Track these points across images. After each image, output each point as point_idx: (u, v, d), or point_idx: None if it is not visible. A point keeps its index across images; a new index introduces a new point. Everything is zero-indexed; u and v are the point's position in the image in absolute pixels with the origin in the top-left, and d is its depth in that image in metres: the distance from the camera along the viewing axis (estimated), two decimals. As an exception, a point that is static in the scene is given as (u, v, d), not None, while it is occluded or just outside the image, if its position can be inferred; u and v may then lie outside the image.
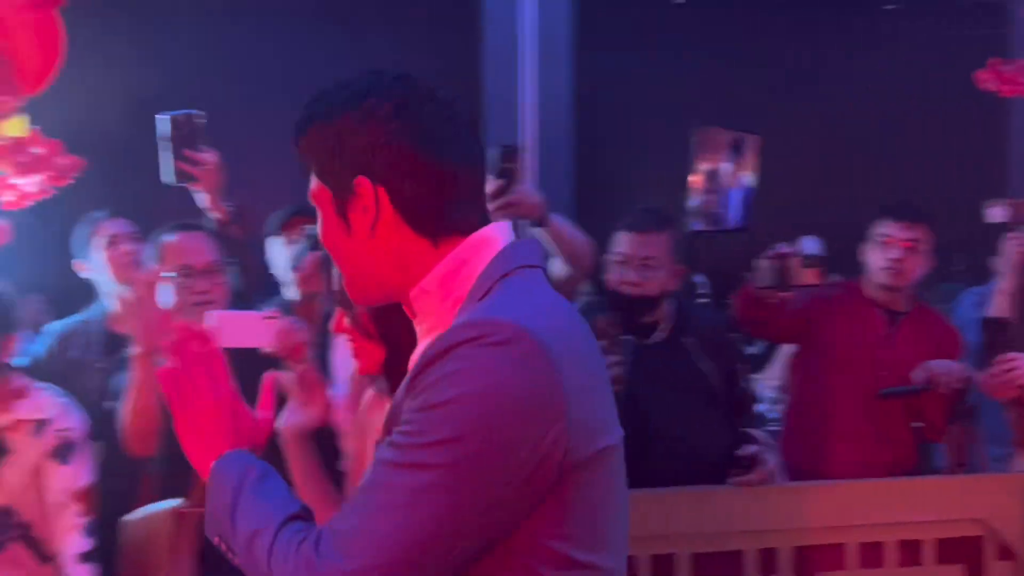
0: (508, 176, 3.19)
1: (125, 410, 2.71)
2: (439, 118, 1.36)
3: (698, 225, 6.32)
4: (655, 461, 2.82)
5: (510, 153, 3.24)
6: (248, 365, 1.95)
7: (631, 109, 7.96)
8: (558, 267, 3.54)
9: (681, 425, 2.92)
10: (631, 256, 2.96)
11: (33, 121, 2.83)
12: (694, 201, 6.55)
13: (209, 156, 3.06)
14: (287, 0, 7.16)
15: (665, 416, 2.91)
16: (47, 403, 2.82)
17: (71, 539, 2.77)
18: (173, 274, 2.87)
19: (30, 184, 2.82)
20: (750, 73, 7.96)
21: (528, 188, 3.24)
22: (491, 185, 3.24)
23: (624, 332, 2.93)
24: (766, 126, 7.48)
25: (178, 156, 3.02)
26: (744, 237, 7.49)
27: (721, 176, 6.91)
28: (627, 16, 8.15)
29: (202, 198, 3.12)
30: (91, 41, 5.81)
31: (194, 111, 3.00)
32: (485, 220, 1.40)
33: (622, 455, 1.35)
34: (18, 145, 2.67)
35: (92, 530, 2.79)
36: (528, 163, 7.55)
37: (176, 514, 2.59)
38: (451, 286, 1.36)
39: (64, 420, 2.78)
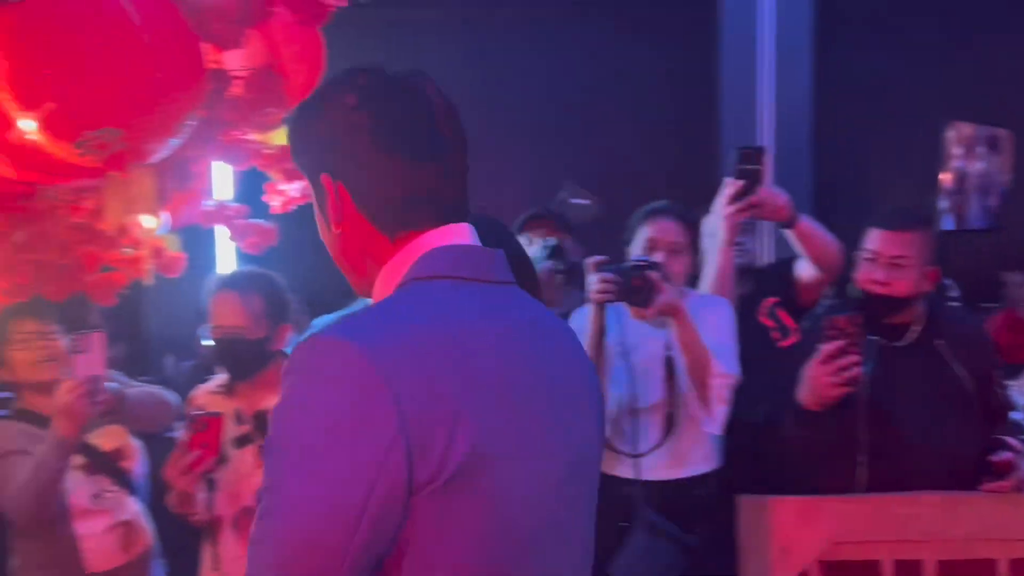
0: (749, 177, 3.19)
1: None
2: (404, 111, 1.35)
3: (947, 225, 6.09)
4: (902, 465, 2.77)
5: (750, 155, 3.24)
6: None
7: (874, 106, 7.72)
8: (805, 268, 3.50)
9: (931, 430, 2.84)
10: (881, 254, 2.89)
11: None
12: (943, 200, 6.31)
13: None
14: (531, 8, 7.28)
15: (914, 420, 2.84)
16: None
17: None
18: None
19: (293, 190, 3.01)
20: (1002, 66, 7.59)
21: (774, 190, 3.23)
22: (731, 187, 3.24)
23: (871, 332, 2.87)
24: (1022, 122, 7.12)
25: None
26: (995, 238, 7.15)
27: (972, 174, 6.63)
28: (870, 10, 7.90)
29: None
30: (347, 52, 6.13)
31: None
32: (450, 218, 1.37)
33: (550, 471, 1.32)
34: (284, 153, 2.86)
35: None
36: (768, 165, 7.44)
37: None
38: (385, 289, 1.35)
39: None
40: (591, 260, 3.06)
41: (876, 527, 2.71)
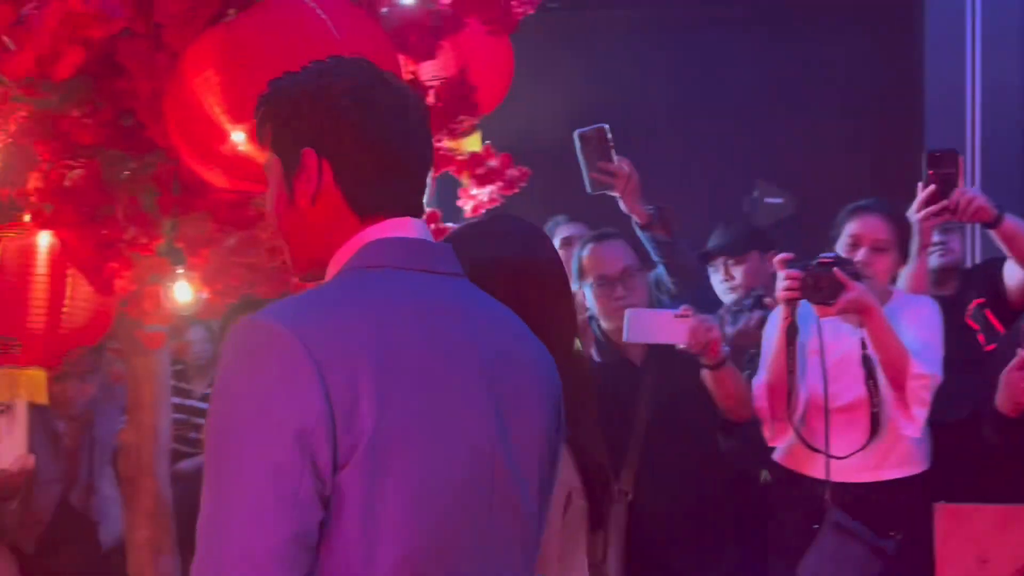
0: (940, 182, 3.10)
1: None
2: (389, 104, 1.46)
3: None
4: None
5: (940, 158, 3.15)
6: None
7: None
8: (1013, 270, 3.37)
9: None
10: None
11: (484, 136, 3.13)
12: None
13: (621, 164, 3.27)
14: (720, 10, 7.21)
15: None
16: None
17: None
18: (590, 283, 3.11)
19: (483, 194, 3.10)
20: None
21: (972, 191, 3.13)
22: (923, 192, 3.16)
23: None
24: None
25: (591, 167, 3.25)
26: None
27: None
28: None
29: (622, 203, 3.31)
30: (538, 55, 6.23)
31: (602, 124, 3.22)
32: (408, 211, 1.46)
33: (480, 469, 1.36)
34: (475, 159, 2.95)
35: None
36: (975, 162, 7.17)
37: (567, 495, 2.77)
38: (333, 271, 1.44)
39: None
40: (778, 258, 3.04)
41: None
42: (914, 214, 3.17)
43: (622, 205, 3.40)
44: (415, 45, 2.56)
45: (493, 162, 2.98)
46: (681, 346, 2.94)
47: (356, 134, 1.44)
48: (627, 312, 2.67)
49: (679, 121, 7.13)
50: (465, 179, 3.01)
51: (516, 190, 3.04)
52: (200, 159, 2.28)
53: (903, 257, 3.16)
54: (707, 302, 3.50)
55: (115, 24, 2.05)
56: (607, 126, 3.27)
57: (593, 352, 3.22)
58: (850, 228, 3.14)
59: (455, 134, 2.83)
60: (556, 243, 3.90)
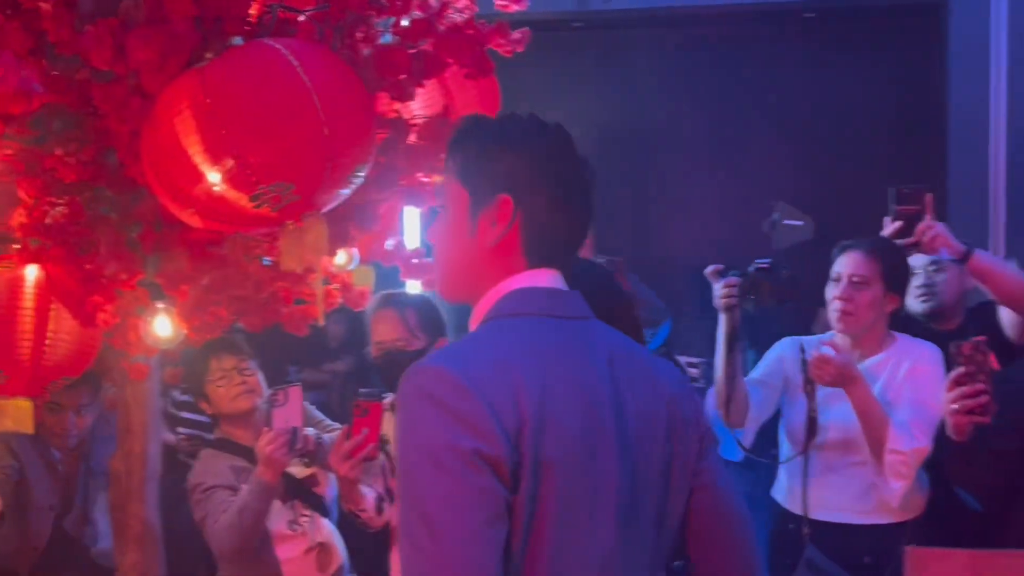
0: (906, 219, 3.12)
1: None
2: (573, 170, 1.62)
3: None
4: None
5: (908, 195, 3.17)
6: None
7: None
8: (1003, 314, 3.35)
9: None
10: None
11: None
12: None
13: None
14: (745, 31, 7.19)
15: None
16: None
17: None
18: None
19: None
20: None
21: (937, 227, 3.14)
22: (888, 228, 3.18)
23: None
24: None
25: None
26: None
27: None
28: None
29: None
30: (556, 73, 6.24)
31: None
32: (565, 265, 1.62)
33: (601, 484, 1.50)
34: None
35: None
36: (999, 188, 7.08)
37: None
38: (480, 313, 1.60)
39: None
40: (709, 269, 3.10)
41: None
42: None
43: None
44: (395, 86, 2.59)
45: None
46: None
47: (550, 194, 1.59)
48: None
49: (703, 142, 7.12)
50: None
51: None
52: (174, 200, 2.32)
53: (891, 291, 3.15)
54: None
55: (36, 100, 2.12)
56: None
57: None
58: (836, 265, 3.16)
59: (437, 171, 2.85)
60: None
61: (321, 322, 2.67)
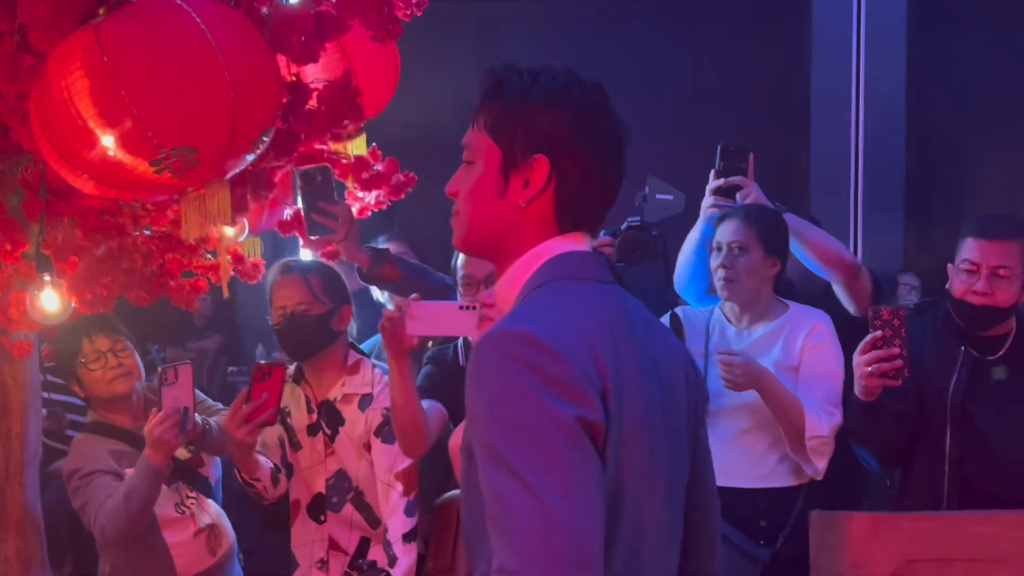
0: (731, 174, 3.21)
1: (393, 416, 2.85)
2: (612, 132, 1.55)
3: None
4: (989, 478, 2.78)
5: (731, 153, 3.25)
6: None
7: (971, 97, 7.51)
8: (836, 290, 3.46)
9: (1018, 444, 2.80)
10: (982, 264, 2.83)
11: (378, 131, 3.05)
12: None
13: (344, 207, 3.00)
14: (614, 4, 7.23)
15: (1003, 434, 2.80)
16: (374, 379, 3.07)
17: (395, 518, 2.98)
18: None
19: (370, 197, 3.05)
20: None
21: (753, 188, 3.23)
22: (713, 182, 3.26)
23: (964, 343, 2.83)
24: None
25: (312, 209, 2.94)
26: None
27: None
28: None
29: (342, 252, 3.10)
30: (435, 45, 6.16)
31: (326, 164, 2.92)
32: (595, 229, 1.58)
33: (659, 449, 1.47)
34: (360, 163, 2.90)
35: (414, 509, 2.99)
36: (859, 158, 7.31)
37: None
38: (521, 276, 1.54)
39: (387, 399, 2.96)
40: None
41: (951, 545, 2.67)
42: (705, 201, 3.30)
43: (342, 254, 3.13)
44: (297, 47, 2.48)
45: (379, 166, 2.92)
46: (472, 340, 2.89)
47: (588, 157, 1.52)
48: (411, 304, 2.59)
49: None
50: (350, 183, 2.95)
51: (402, 196, 2.98)
52: (67, 165, 2.19)
53: (771, 254, 3.19)
54: None
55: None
56: (330, 166, 2.95)
57: (460, 355, 3.16)
58: (716, 235, 3.20)
59: (339, 138, 2.77)
60: None
61: (226, 294, 2.55)
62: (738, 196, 3.26)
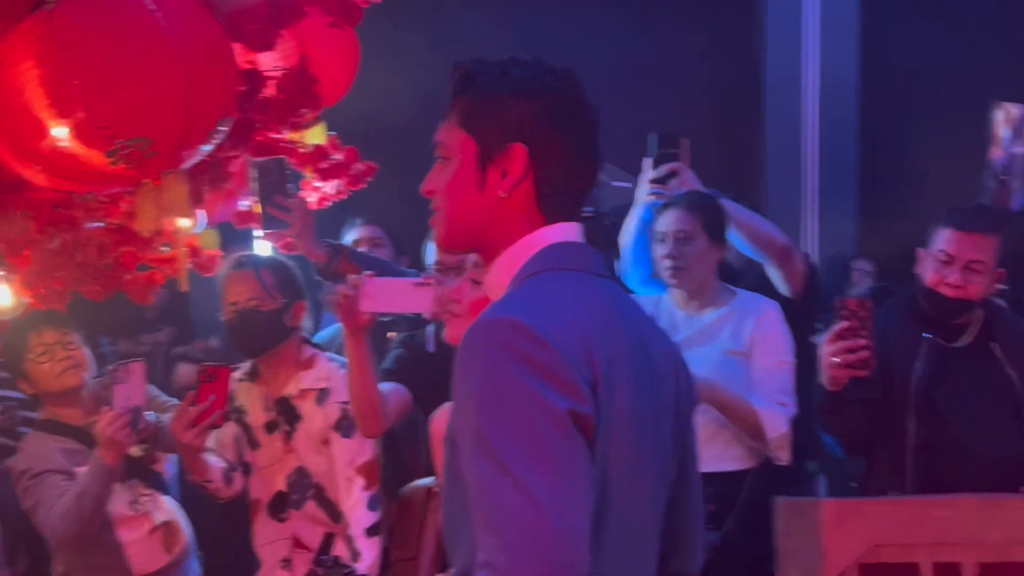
0: (665, 161, 3.21)
1: (350, 393, 2.81)
2: (586, 117, 1.52)
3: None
4: (951, 465, 2.78)
5: (667, 140, 3.25)
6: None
7: (921, 86, 7.57)
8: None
9: (981, 431, 2.82)
10: (957, 257, 2.82)
11: (328, 118, 3.00)
12: (991, 183, 6.18)
13: (298, 201, 2.95)
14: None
15: (965, 421, 2.82)
16: (330, 374, 3.03)
17: (358, 513, 2.95)
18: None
19: (329, 186, 3.01)
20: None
21: (688, 175, 3.24)
22: (648, 171, 3.26)
23: (928, 331, 2.85)
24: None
25: (267, 202, 2.88)
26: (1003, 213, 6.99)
27: (1020, 156, 6.48)
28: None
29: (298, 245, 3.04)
30: (372, 29, 6.12)
31: (281, 156, 2.86)
32: (577, 216, 1.54)
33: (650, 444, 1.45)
34: (319, 152, 2.86)
35: (376, 503, 2.97)
36: (812, 150, 7.37)
37: (428, 491, 2.71)
38: (513, 265, 1.51)
39: (345, 392, 2.92)
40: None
41: (915, 530, 2.68)
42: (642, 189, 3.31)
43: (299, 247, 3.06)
44: (252, 35, 2.44)
45: (338, 156, 2.88)
46: (426, 315, 2.87)
47: (565, 142, 1.50)
48: (365, 280, 2.56)
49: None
50: (308, 172, 2.90)
51: (363, 185, 2.94)
52: (18, 156, 2.14)
53: (714, 241, 3.20)
54: None
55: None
56: (285, 158, 2.88)
57: (429, 341, 3.12)
58: (658, 224, 3.20)
59: (297, 127, 2.73)
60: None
61: (184, 287, 2.50)
62: (673, 182, 3.25)
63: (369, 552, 2.90)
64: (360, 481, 2.94)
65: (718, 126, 7.33)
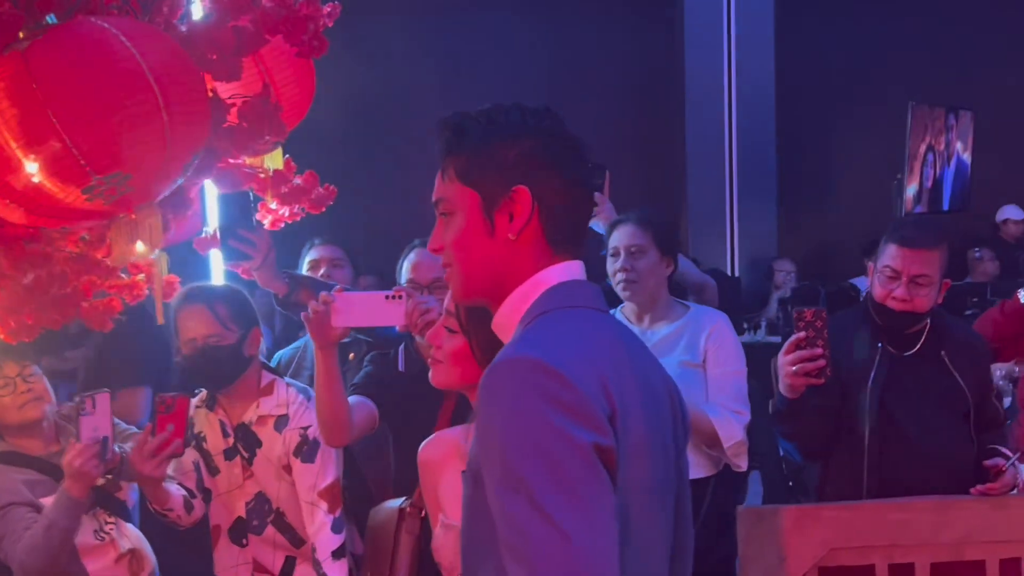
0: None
1: (317, 404, 2.82)
2: (574, 149, 1.62)
3: (918, 208, 6.18)
4: (906, 469, 2.90)
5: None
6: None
7: (836, 91, 7.78)
8: None
9: (934, 436, 2.94)
10: (902, 272, 2.93)
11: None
12: (907, 183, 6.40)
13: (262, 234, 2.99)
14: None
15: (918, 426, 2.94)
16: (289, 399, 3.04)
17: (322, 536, 2.96)
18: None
19: (285, 209, 3.00)
20: (962, 47, 7.66)
21: (606, 204, 3.38)
22: None
23: (881, 341, 2.95)
24: (984, 100, 7.21)
25: (230, 234, 2.91)
26: (961, 219, 7.26)
27: (936, 155, 6.72)
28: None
29: (256, 278, 3.07)
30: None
31: (247, 190, 2.85)
32: (580, 246, 1.63)
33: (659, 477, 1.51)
34: (279, 177, 2.85)
35: (340, 526, 2.98)
36: (733, 153, 7.52)
37: (400, 512, 2.75)
38: (522, 304, 1.58)
39: (303, 418, 2.98)
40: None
41: (872, 533, 2.79)
42: None
43: (257, 279, 3.10)
44: (218, 64, 2.43)
45: (298, 180, 2.88)
46: (398, 328, 2.91)
47: (561, 176, 1.58)
48: (335, 295, 2.60)
49: (449, 108, 7.11)
50: (269, 197, 2.89)
51: (323, 209, 2.94)
52: (-8, 193, 2.11)
53: (665, 255, 3.29)
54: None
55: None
56: (252, 191, 2.87)
57: (400, 360, 3.15)
58: (611, 240, 3.29)
59: (258, 153, 2.72)
60: (304, 266, 3.81)
61: (160, 320, 2.49)
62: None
63: (336, 575, 2.92)
64: (323, 505, 2.96)
65: (640, 135, 7.44)
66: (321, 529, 2.96)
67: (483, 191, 1.57)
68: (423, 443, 2.31)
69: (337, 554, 2.95)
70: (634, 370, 1.53)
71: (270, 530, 3.04)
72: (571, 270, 1.60)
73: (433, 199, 1.64)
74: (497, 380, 1.44)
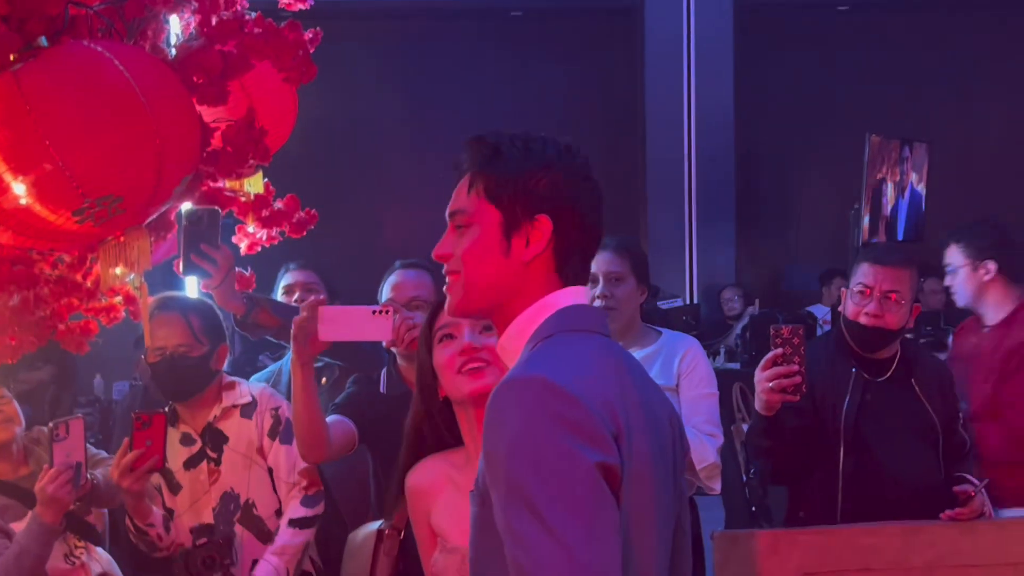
0: None
1: (295, 420, 2.80)
2: (596, 189, 1.67)
3: (874, 240, 6.28)
4: (878, 493, 2.95)
5: None
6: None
7: (795, 120, 7.90)
8: None
9: (904, 461, 2.99)
10: (874, 288, 3.00)
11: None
12: (863, 213, 6.50)
13: (223, 253, 2.93)
14: (450, 25, 7.31)
15: (890, 451, 3.00)
16: (252, 390, 3.07)
17: (292, 505, 2.99)
18: None
19: (262, 232, 3.01)
20: (919, 79, 7.82)
21: None
22: None
23: (853, 366, 3.01)
24: (938, 132, 7.37)
25: (192, 248, 2.85)
26: (915, 250, 7.39)
27: (892, 186, 6.84)
28: (788, 25, 8.08)
29: (215, 296, 3.02)
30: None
31: (216, 208, 2.83)
32: (585, 277, 1.68)
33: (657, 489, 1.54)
34: (260, 201, 2.86)
35: (314, 502, 3.00)
36: (691, 173, 7.61)
37: (378, 534, 2.76)
38: (528, 327, 1.62)
39: (272, 400, 3.01)
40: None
41: (844, 557, 2.83)
42: None
43: (216, 298, 3.03)
44: (206, 88, 2.44)
45: (279, 204, 2.89)
46: (385, 343, 2.91)
47: (581, 212, 1.63)
48: (320, 309, 2.59)
49: (411, 134, 7.15)
50: (249, 221, 2.90)
51: (304, 233, 2.95)
52: (-18, 216, 2.11)
53: (641, 282, 3.34)
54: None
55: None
56: (219, 209, 2.84)
57: (383, 382, 3.15)
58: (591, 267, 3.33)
59: (240, 176, 2.73)
60: (279, 290, 3.81)
61: (148, 343, 2.48)
62: None
63: (287, 538, 2.96)
64: (303, 482, 2.99)
65: (600, 163, 7.48)
66: (292, 500, 2.99)
67: (507, 212, 1.62)
68: (411, 470, 2.31)
69: (297, 523, 2.95)
70: (638, 394, 1.56)
71: (237, 529, 3.03)
72: (576, 295, 1.64)
73: (451, 209, 1.67)
74: (505, 398, 1.47)
